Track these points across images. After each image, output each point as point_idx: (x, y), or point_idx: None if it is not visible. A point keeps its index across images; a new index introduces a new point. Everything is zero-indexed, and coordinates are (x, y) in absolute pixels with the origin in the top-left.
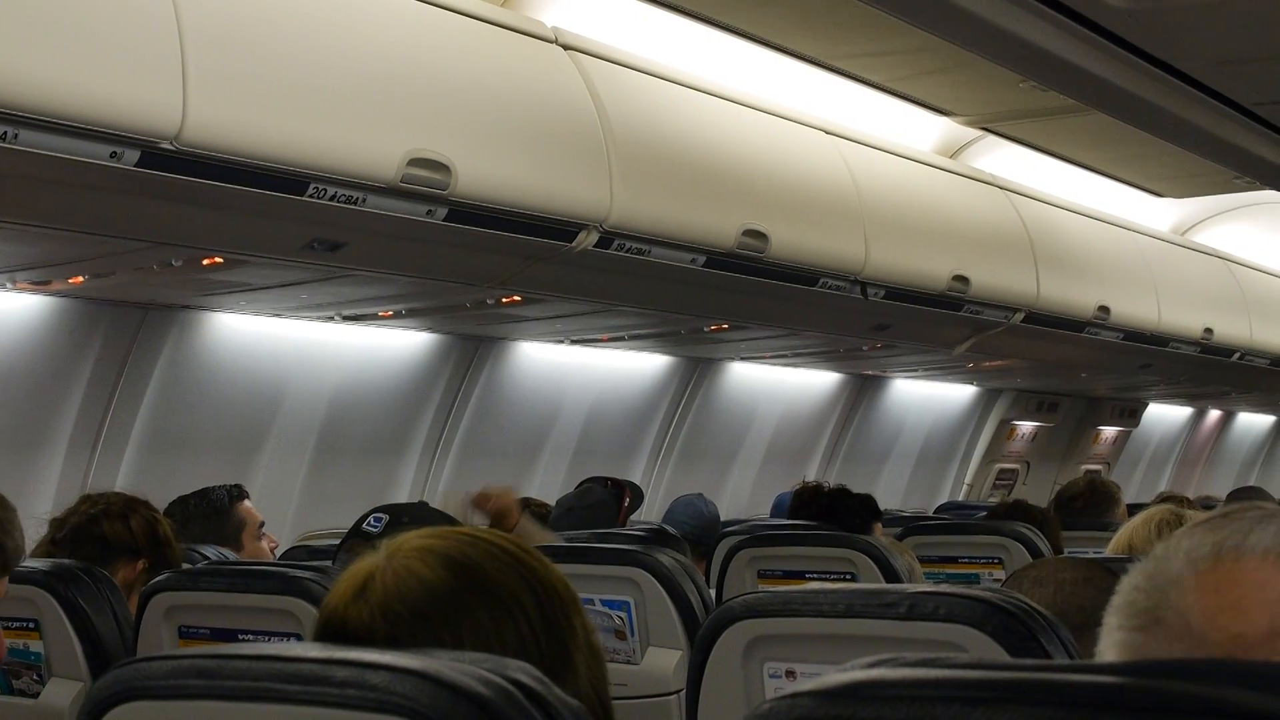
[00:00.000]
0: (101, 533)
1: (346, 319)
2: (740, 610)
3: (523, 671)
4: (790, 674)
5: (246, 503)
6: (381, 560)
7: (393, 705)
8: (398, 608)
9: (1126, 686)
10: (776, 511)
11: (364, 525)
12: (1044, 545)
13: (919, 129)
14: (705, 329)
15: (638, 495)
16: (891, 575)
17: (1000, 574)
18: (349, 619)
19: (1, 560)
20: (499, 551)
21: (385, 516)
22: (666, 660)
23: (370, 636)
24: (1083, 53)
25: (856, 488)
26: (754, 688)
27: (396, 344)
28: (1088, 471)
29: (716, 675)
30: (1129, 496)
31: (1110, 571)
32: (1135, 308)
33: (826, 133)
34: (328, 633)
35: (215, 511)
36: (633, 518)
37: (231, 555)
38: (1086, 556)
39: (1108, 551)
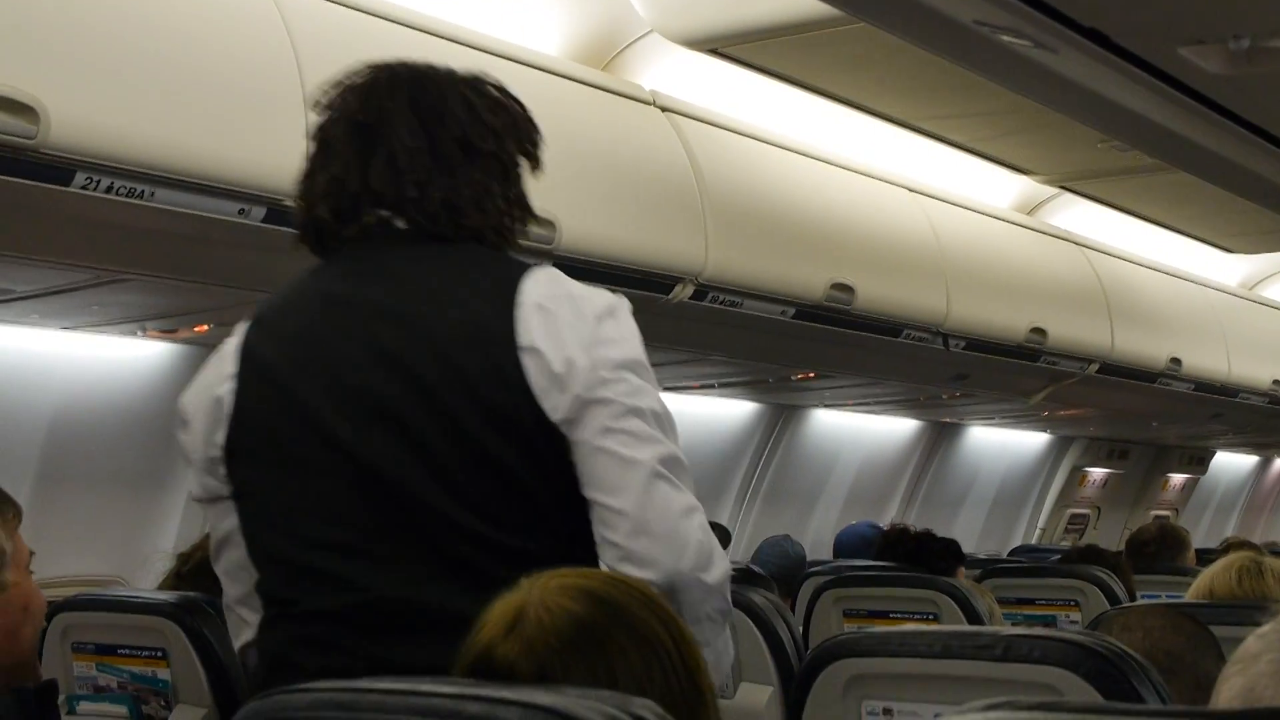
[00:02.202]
0: None
1: None
2: (840, 649)
3: (647, 709)
4: (888, 711)
5: None
6: (532, 596)
7: None
8: (552, 642)
9: None
10: (840, 548)
11: None
12: (1119, 589)
13: (998, 187)
14: (792, 377)
15: (725, 537)
16: (973, 616)
17: (1076, 616)
18: (498, 655)
19: None
20: (638, 593)
21: None
22: (758, 695)
23: (519, 672)
24: (1170, 114)
25: (934, 531)
26: None
27: None
28: (1157, 517)
29: (816, 711)
30: (1196, 542)
31: (1196, 621)
32: (1206, 359)
33: (910, 190)
34: (477, 668)
35: None
36: None
37: None
38: (1169, 602)
39: (1188, 596)
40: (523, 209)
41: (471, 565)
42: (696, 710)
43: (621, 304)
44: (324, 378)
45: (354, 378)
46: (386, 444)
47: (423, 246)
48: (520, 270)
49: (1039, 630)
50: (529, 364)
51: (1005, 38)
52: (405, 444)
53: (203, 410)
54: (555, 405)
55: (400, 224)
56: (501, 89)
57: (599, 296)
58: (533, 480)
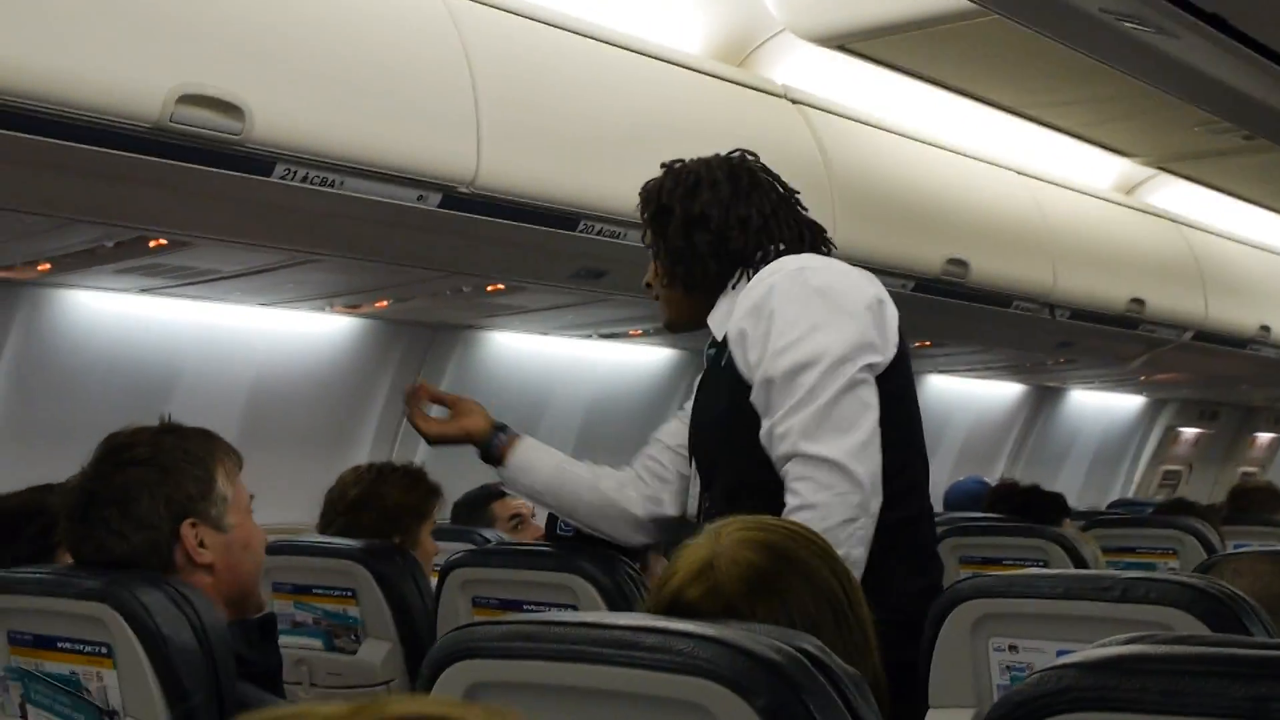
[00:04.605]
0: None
1: (603, 336)
2: (969, 591)
3: (809, 642)
4: (1013, 648)
5: (505, 499)
6: (719, 547)
7: (696, 668)
8: (738, 587)
9: None
10: (948, 502)
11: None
12: (1214, 538)
13: (1099, 168)
14: (911, 346)
15: None
16: (1080, 562)
17: (1175, 564)
18: (687, 598)
19: None
20: (807, 544)
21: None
22: None
23: (705, 614)
24: (1269, 88)
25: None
26: (980, 659)
27: (644, 359)
28: (1244, 473)
29: (946, 648)
30: None
31: None
32: None
33: (1019, 173)
34: (669, 611)
35: (477, 504)
36: None
37: (506, 538)
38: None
39: None
40: None
41: None
42: (863, 653)
43: None
44: None
45: None
46: None
47: None
48: None
49: (1154, 574)
50: None
51: (1128, 24)
52: None
53: (889, 337)
54: None
55: None
56: None
57: None
58: None
